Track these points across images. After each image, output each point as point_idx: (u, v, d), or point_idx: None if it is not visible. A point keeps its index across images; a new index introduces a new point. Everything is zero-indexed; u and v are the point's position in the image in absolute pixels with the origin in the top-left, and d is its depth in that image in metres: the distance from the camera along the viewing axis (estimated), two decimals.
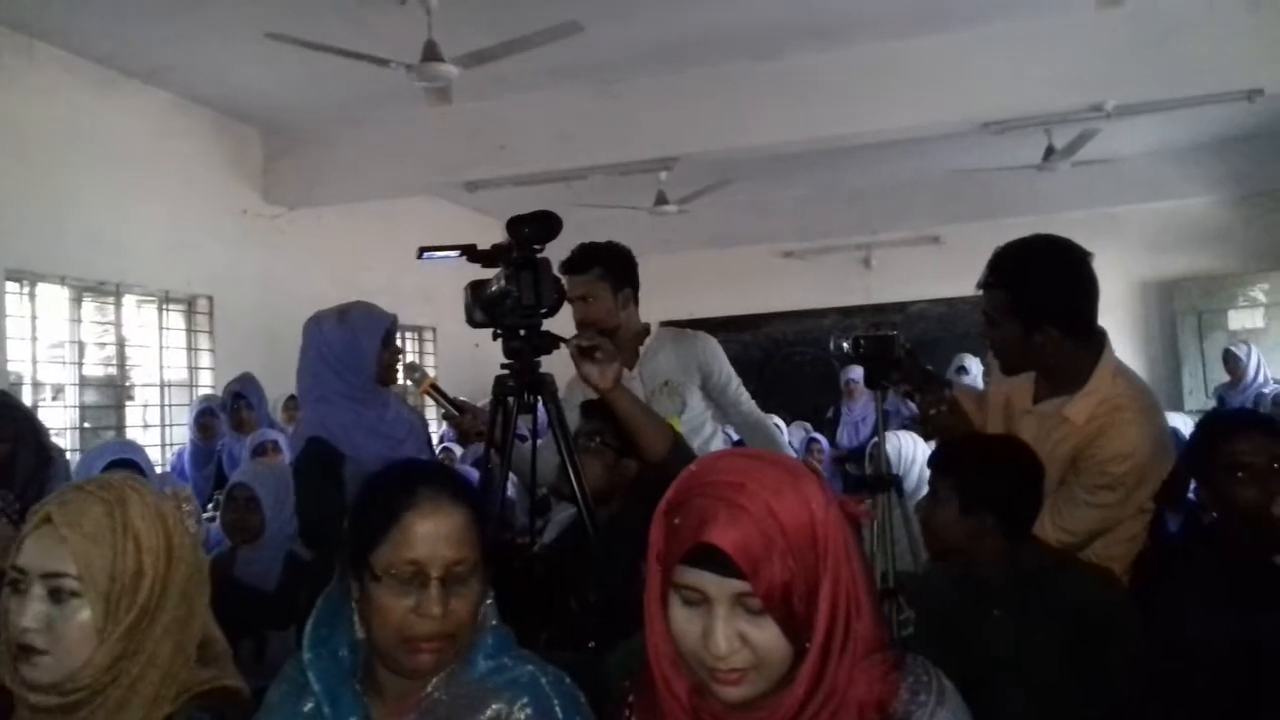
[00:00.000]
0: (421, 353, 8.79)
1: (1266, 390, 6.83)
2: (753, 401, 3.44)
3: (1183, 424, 5.34)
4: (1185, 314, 8.93)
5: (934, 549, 2.29)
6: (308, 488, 2.83)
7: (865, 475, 3.18)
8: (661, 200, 7.55)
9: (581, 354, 2.27)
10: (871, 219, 9.62)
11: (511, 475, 2.80)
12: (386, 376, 2.94)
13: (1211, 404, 7.22)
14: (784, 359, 10.30)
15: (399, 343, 3.19)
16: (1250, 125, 7.73)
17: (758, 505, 1.11)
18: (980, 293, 2.38)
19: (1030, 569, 2.11)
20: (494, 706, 1.33)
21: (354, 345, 2.86)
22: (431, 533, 1.33)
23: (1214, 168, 8.60)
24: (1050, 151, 6.94)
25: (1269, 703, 1.35)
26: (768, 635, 1.11)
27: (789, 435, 6.84)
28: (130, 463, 3.63)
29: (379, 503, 1.38)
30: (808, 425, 7.79)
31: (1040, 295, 2.28)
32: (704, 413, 3.34)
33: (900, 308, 9.79)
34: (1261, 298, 8.63)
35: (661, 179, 7.16)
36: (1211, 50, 5.42)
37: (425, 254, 2.38)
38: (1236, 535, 2.05)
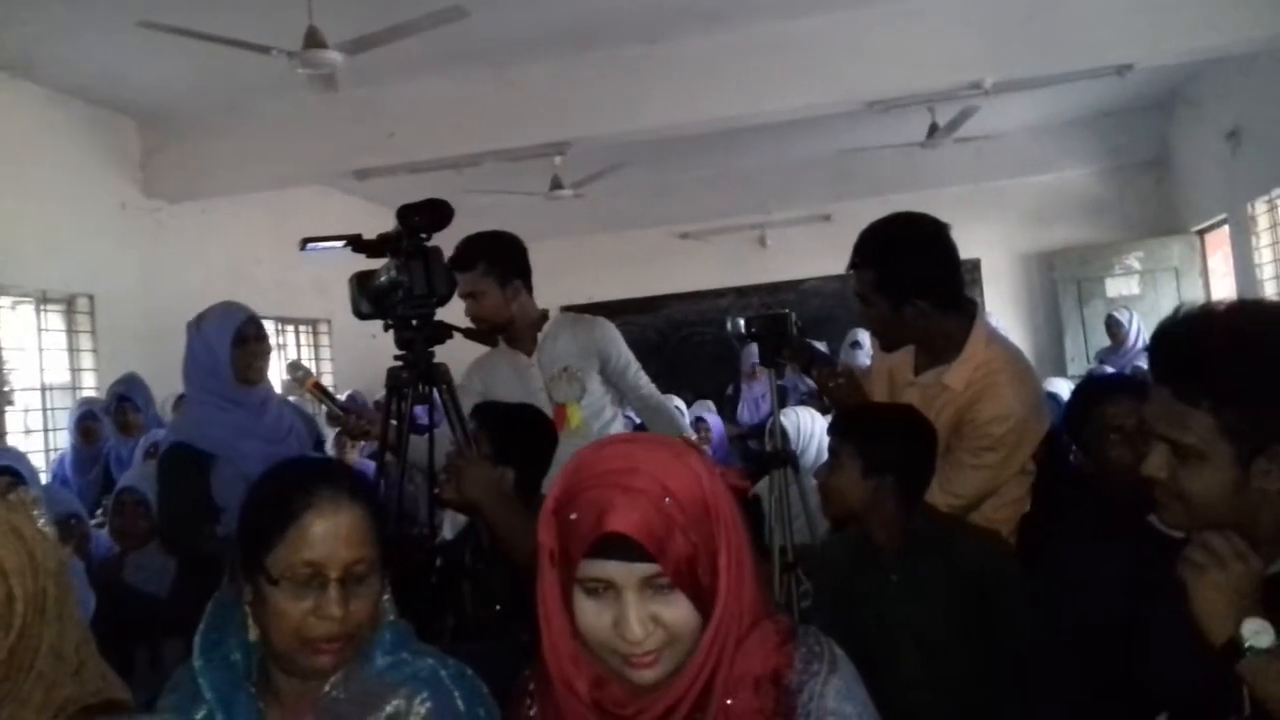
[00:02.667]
0: (316, 345, 8.62)
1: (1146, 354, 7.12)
2: (652, 384, 3.47)
3: (1066, 389, 5.56)
4: (1066, 283, 9.24)
5: (833, 514, 2.34)
6: (165, 491, 2.79)
7: (764, 451, 3.24)
8: (556, 185, 7.52)
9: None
10: (765, 199, 9.73)
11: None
12: (246, 376, 2.90)
13: (1093, 368, 7.49)
14: (683, 340, 10.37)
15: (280, 338, 3.15)
16: (1121, 99, 8.06)
17: (652, 485, 1.12)
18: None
19: (923, 534, 2.18)
20: (393, 703, 1.31)
21: (208, 350, 2.84)
22: (330, 532, 1.30)
23: (1088, 141, 8.93)
24: (933, 129, 7.11)
25: (1144, 656, 1.42)
26: (678, 611, 1.12)
27: (691, 415, 6.89)
28: (10, 470, 3.50)
29: (274, 503, 1.34)
30: (710, 404, 7.86)
31: (904, 270, 2.36)
32: (604, 397, 3.36)
33: (795, 285, 9.94)
34: (1136, 265, 8.97)
35: (556, 163, 7.13)
36: (1083, 27, 5.61)
37: (309, 245, 2.35)
38: (1113, 495, 2.15)
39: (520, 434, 2.40)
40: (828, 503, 2.29)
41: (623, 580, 1.11)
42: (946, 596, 2.13)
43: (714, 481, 1.17)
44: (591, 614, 1.13)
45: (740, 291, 10.14)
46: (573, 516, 1.13)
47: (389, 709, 1.31)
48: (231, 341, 2.87)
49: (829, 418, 3.82)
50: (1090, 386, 2.51)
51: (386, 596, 1.39)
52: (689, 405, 7.26)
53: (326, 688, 1.33)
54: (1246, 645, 1.25)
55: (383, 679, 1.34)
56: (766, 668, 1.18)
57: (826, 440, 3.73)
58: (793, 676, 1.18)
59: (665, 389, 3.62)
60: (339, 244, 2.31)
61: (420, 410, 2.52)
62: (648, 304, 10.35)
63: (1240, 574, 1.28)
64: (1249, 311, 1.39)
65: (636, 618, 1.11)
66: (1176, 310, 1.37)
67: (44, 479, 5.28)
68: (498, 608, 2.18)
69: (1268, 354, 1.29)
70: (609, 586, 1.12)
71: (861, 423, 2.27)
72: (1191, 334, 1.34)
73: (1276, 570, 1.34)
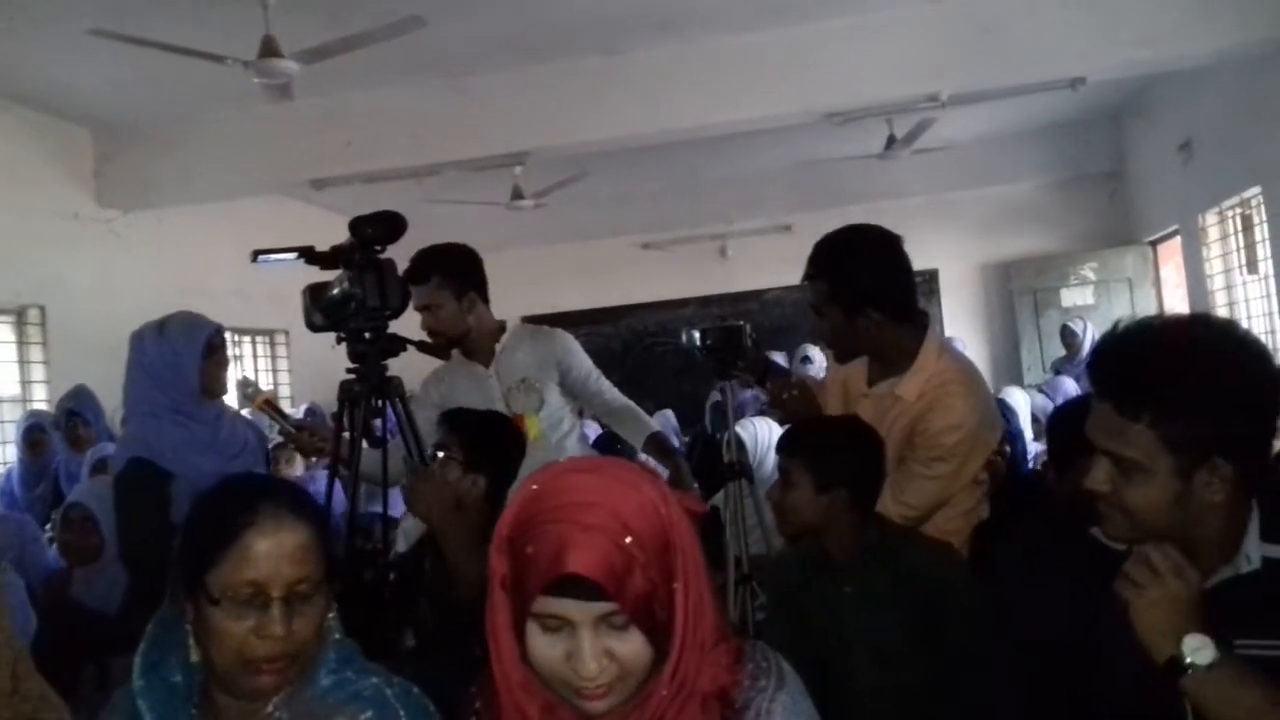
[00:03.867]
0: (274, 356, 8.54)
1: None
2: (615, 389, 3.47)
3: (1021, 398, 5.62)
4: (1022, 293, 9.34)
5: (788, 531, 2.34)
6: (128, 510, 2.73)
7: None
8: (517, 195, 7.50)
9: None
10: (726, 209, 9.78)
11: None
12: (212, 389, 2.84)
13: (1049, 377, 7.58)
14: (646, 350, 10.37)
15: (236, 349, 3.11)
16: (1075, 111, 8.17)
17: (611, 522, 1.11)
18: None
19: (877, 546, 2.19)
20: None
21: (173, 359, 2.77)
22: (273, 551, 1.29)
23: (1043, 153, 9.04)
24: (891, 140, 7.17)
25: (1089, 669, 1.43)
26: (633, 647, 1.12)
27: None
28: None
29: (215, 521, 1.32)
30: (670, 414, 7.86)
31: (858, 281, 2.39)
32: (562, 408, 3.35)
33: (756, 295, 9.97)
34: (1091, 275, 9.09)
35: (516, 173, 7.12)
36: (1037, 40, 5.69)
37: (260, 257, 2.32)
38: (1071, 511, 2.16)
39: (492, 441, 2.39)
40: (783, 521, 2.28)
41: (579, 618, 1.10)
42: (900, 607, 2.14)
43: (671, 510, 1.16)
44: (544, 647, 1.13)
45: (703, 301, 10.16)
46: (529, 550, 1.12)
47: None
48: (201, 352, 2.82)
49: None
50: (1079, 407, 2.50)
51: (332, 615, 1.37)
52: (650, 415, 7.25)
53: (269, 708, 1.31)
54: (1188, 662, 1.26)
55: (326, 699, 1.32)
56: (714, 686, 1.18)
57: None
58: (739, 694, 1.19)
59: (629, 399, 3.61)
60: (291, 256, 2.29)
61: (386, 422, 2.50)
62: (610, 314, 10.35)
63: (1179, 590, 1.29)
64: (1186, 326, 1.41)
65: (591, 654, 1.10)
66: (1115, 325, 1.39)
67: None
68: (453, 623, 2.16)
69: (1205, 368, 1.30)
70: (564, 623, 1.11)
71: (809, 439, 2.27)
72: (1130, 349, 1.36)
73: (1218, 581, 1.36)
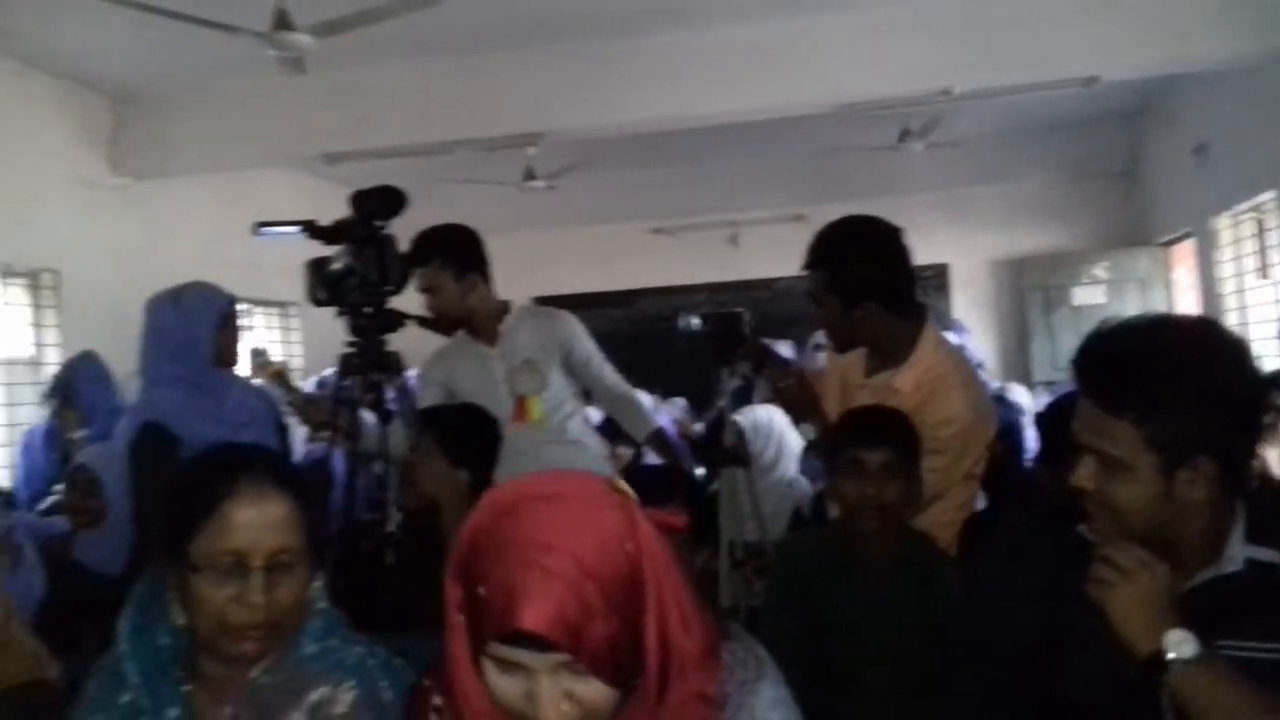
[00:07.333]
0: (286, 328, 8.56)
1: None
2: (617, 375, 3.47)
3: (1026, 397, 5.62)
4: (1033, 290, 9.27)
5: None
6: (144, 474, 2.76)
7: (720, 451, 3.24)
8: (530, 176, 7.51)
9: None
10: (737, 198, 9.73)
11: None
12: (225, 360, 2.87)
13: (1060, 375, 7.55)
14: (657, 335, 10.34)
15: (247, 322, 3.13)
16: (1090, 110, 8.11)
17: (569, 568, 1.04)
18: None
19: (909, 556, 2.18)
20: (319, 690, 1.32)
21: (188, 329, 2.80)
22: (254, 521, 1.30)
23: (1058, 150, 8.96)
24: (905, 134, 7.15)
25: (1062, 667, 1.44)
26: (595, 689, 1.07)
27: (665, 412, 6.85)
28: None
29: (198, 490, 1.34)
30: (682, 401, 7.86)
31: (856, 272, 2.40)
32: (564, 389, 3.36)
33: (768, 284, 9.91)
34: (1102, 275, 9.03)
35: (529, 154, 7.11)
36: (1052, 38, 5.65)
37: (262, 230, 2.34)
38: (1059, 507, 2.17)
39: (472, 435, 2.40)
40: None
41: (535, 665, 1.05)
42: (921, 615, 2.11)
43: (639, 539, 1.09)
44: (503, 686, 1.08)
45: (713, 289, 10.09)
46: (481, 590, 1.06)
47: (314, 696, 1.31)
48: (216, 323, 2.85)
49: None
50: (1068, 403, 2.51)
51: (318, 584, 1.39)
52: (664, 399, 7.25)
53: (253, 673, 1.33)
54: (1171, 656, 1.26)
55: (310, 667, 1.34)
56: (695, 688, 1.14)
57: (786, 438, 3.76)
58: (717, 688, 1.16)
59: (637, 384, 3.60)
60: (293, 229, 2.30)
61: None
62: (620, 298, 10.31)
63: (1150, 584, 1.30)
64: (1171, 326, 1.42)
65: (549, 699, 1.05)
66: (1101, 324, 1.40)
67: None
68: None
69: (1187, 367, 1.31)
70: (521, 666, 1.06)
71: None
72: (1114, 348, 1.37)
73: (1201, 582, 1.36)
